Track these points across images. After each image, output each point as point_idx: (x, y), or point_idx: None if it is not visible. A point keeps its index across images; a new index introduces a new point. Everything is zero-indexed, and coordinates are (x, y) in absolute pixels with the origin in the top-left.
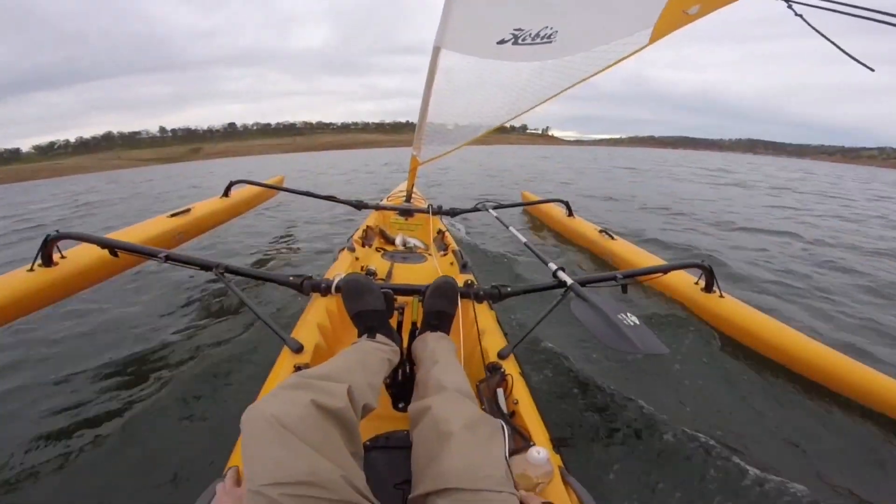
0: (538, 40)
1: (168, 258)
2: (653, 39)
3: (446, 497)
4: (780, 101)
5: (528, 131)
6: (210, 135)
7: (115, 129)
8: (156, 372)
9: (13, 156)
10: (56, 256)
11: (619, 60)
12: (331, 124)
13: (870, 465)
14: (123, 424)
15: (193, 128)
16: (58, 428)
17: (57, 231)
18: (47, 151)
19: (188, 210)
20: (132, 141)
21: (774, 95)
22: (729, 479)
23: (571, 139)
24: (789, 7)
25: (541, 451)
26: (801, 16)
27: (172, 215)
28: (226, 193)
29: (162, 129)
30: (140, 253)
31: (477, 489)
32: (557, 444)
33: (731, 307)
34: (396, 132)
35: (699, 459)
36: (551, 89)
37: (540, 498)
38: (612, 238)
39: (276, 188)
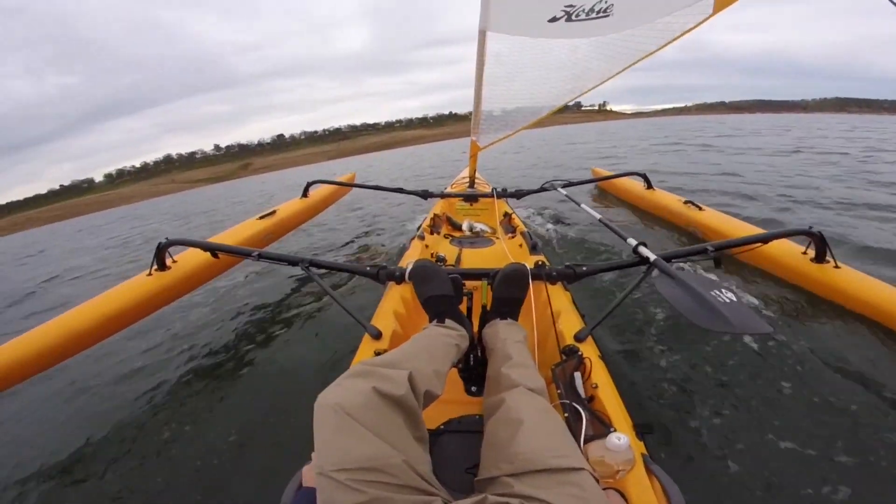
0: (593, 15)
1: (261, 256)
2: (717, 8)
3: (521, 480)
4: (865, 56)
5: (583, 108)
6: (260, 148)
7: (174, 152)
8: (251, 360)
9: (89, 186)
10: (168, 261)
11: (686, 32)
12: (375, 124)
13: None
14: (216, 410)
15: (245, 143)
16: (154, 411)
17: (167, 238)
18: (115, 180)
19: (273, 212)
20: (189, 162)
21: (860, 51)
22: (836, 471)
23: (630, 112)
24: None
25: (621, 437)
26: None
27: (260, 218)
28: (304, 194)
29: (216, 147)
30: (237, 253)
31: (551, 468)
32: (641, 430)
33: (849, 278)
34: (439, 125)
35: (804, 454)
36: (616, 65)
37: (616, 489)
38: (700, 209)
39: (349, 185)
